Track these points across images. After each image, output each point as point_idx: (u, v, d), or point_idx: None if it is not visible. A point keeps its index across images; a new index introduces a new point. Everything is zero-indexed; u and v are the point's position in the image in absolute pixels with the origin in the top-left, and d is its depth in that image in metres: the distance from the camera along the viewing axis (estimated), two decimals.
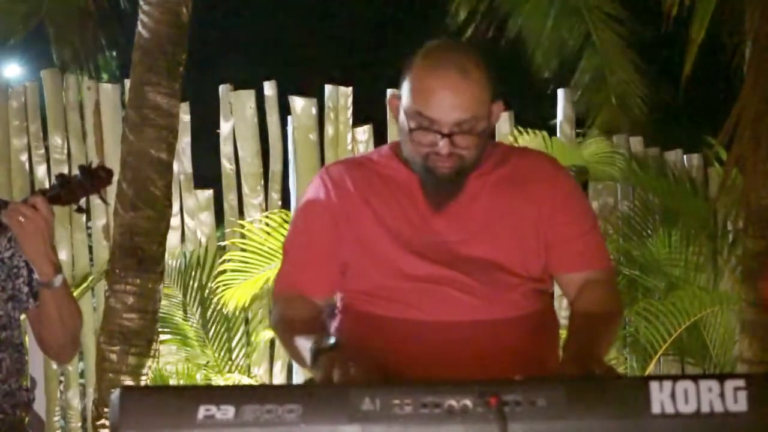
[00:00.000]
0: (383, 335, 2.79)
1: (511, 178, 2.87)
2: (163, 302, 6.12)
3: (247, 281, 6.23)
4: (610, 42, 7.85)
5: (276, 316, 2.91)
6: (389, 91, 6.92)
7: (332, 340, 2.58)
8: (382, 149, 2.98)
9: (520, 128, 6.83)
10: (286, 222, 6.17)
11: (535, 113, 7.85)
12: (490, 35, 7.63)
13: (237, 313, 6.59)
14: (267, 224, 6.37)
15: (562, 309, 6.74)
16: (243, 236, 6.44)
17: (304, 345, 2.63)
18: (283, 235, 6.00)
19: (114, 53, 9.74)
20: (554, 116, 7.36)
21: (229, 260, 6.38)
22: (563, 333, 2.88)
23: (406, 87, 2.77)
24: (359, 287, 2.86)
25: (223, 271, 6.34)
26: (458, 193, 2.81)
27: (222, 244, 6.74)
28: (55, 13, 7.94)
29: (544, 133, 6.75)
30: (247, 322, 6.80)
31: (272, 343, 6.84)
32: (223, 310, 6.49)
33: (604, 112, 8.12)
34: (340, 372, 2.44)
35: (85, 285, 6.74)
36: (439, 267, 2.79)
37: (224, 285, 6.31)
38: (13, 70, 9.79)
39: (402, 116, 2.78)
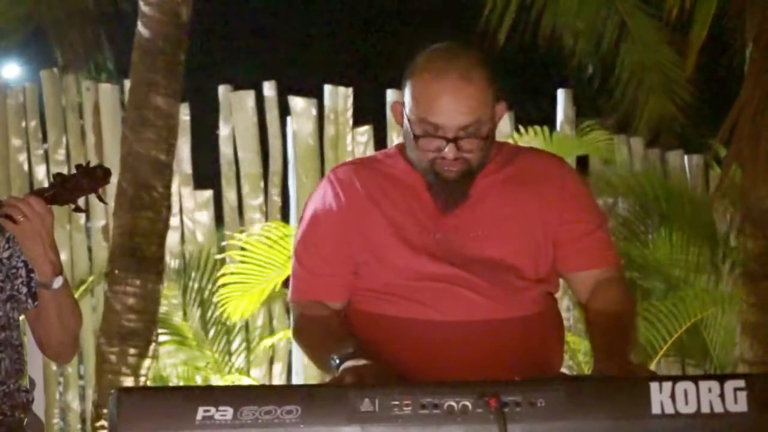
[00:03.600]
0: (391, 335, 2.79)
1: (518, 178, 2.88)
2: (163, 303, 6.11)
3: (250, 293, 6.17)
4: (646, 28, 7.44)
5: (296, 323, 2.92)
6: (389, 91, 6.94)
7: (351, 349, 2.61)
8: (388, 150, 2.99)
9: (520, 129, 6.79)
10: (283, 227, 6.16)
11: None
12: (527, 34, 7.31)
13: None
14: (267, 237, 6.32)
15: (562, 310, 6.75)
16: (242, 248, 6.39)
17: (327, 351, 2.65)
18: (281, 245, 6.00)
19: (110, 53, 9.72)
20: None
21: (229, 273, 6.31)
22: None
23: (408, 94, 2.77)
24: (369, 286, 2.86)
25: (224, 285, 6.28)
26: (466, 195, 2.82)
27: (219, 257, 6.67)
28: (54, 13, 7.91)
29: (545, 128, 6.71)
30: (246, 323, 6.78)
31: (272, 345, 6.82)
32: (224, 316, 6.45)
33: (649, 106, 7.66)
34: (353, 380, 2.47)
35: (84, 286, 6.73)
36: (449, 266, 2.79)
37: (226, 297, 6.25)
38: (12, 70, 9.77)
39: (406, 123, 2.78)
